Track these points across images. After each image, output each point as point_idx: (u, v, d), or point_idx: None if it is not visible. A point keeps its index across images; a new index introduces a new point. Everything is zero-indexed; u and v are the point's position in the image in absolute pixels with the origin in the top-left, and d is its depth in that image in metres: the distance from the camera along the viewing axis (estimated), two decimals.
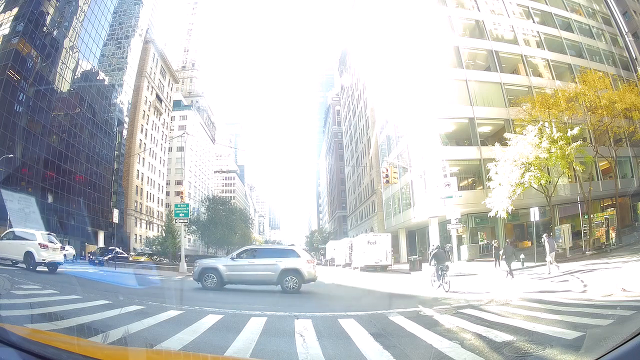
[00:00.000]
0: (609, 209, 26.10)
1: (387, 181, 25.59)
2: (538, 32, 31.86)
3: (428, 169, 27.32)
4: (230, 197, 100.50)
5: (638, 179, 28.64)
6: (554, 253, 14.54)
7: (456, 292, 11.61)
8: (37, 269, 14.12)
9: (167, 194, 75.78)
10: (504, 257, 14.79)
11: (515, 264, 17.83)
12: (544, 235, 15.67)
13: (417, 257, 25.21)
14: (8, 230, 16.56)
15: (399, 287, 14.43)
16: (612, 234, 20.71)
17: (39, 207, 31.46)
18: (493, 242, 19.30)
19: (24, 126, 37.16)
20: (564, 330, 5.54)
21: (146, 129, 65.99)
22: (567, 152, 18.71)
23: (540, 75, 30.16)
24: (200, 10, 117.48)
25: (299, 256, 12.65)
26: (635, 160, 29.24)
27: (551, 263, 14.27)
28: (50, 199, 39.41)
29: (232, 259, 12.87)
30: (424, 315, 7.63)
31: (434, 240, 26.83)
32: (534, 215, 18.43)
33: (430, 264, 13.43)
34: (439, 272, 12.55)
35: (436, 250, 13.77)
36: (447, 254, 19.23)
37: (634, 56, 34.19)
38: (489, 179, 21.20)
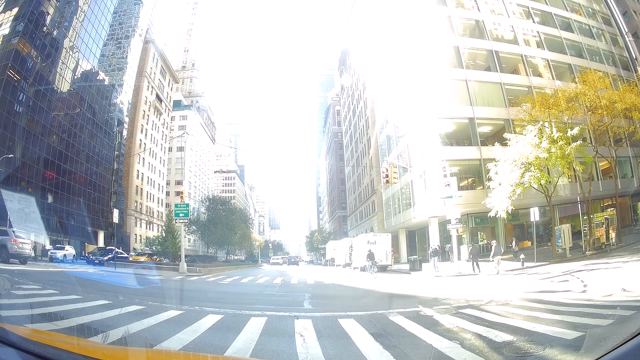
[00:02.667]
0: (609, 209, 26.08)
1: (387, 181, 25.54)
2: (538, 32, 31.86)
3: (428, 169, 27.32)
4: (230, 197, 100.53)
5: (638, 179, 28.67)
6: (498, 257, 16.93)
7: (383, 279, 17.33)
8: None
9: (167, 194, 75.76)
10: (470, 256, 17.27)
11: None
12: (493, 242, 19.14)
13: (417, 257, 25.21)
14: None
15: (399, 287, 14.43)
16: (612, 234, 20.69)
17: (39, 207, 31.48)
18: (492, 242, 19.40)
19: (24, 126, 37.17)
20: (564, 330, 5.52)
21: (146, 129, 65.98)
22: (567, 152, 18.69)
23: (540, 75, 30.16)
24: (200, 10, 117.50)
25: (7, 235, 17.14)
26: (635, 160, 29.25)
27: (498, 263, 16.74)
28: (50, 199, 39.42)
29: None
30: (424, 315, 7.61)
31: (434, 240, 26.84)
32: (534, 215, 18.46)
33: (366, 259, 21.25)
34: (370, 265, 20.29)
35: (369, 252, 21.29)
36: (432, 254, 21.64)
37: (634, 56, 34.20)
38: (489, 179, 21.19)
